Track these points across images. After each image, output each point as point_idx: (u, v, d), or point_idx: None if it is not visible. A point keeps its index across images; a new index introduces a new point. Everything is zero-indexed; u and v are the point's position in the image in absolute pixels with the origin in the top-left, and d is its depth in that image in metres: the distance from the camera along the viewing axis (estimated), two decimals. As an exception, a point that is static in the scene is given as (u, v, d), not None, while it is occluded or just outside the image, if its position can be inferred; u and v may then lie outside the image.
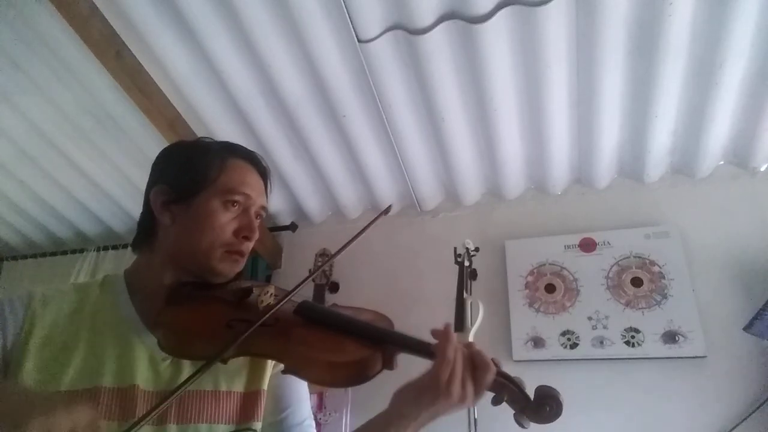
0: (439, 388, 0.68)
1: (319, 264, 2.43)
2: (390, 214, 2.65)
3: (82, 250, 3.00)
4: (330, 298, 2.45)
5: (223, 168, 0.83)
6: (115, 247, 2.93)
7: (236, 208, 0.82)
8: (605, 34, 1.66)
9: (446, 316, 1.73)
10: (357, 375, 0.70)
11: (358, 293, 2.47)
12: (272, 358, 0.80)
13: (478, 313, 1.74)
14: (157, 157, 0.90)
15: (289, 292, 0.74)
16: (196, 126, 2.15)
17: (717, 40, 1.65)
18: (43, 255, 3.15)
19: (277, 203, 2.66)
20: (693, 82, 1.83)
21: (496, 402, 0.71)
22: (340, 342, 0.73)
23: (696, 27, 1.64)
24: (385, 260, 2.55)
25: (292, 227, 2.73)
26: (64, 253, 3.07)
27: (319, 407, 2.31)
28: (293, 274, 2.66)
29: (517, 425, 0.71)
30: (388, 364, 0.72)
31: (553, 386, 0.70)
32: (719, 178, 2.19)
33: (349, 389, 2.26)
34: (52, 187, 2.68)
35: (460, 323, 1.74)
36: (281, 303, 0.72)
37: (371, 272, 2.52)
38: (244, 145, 0.91)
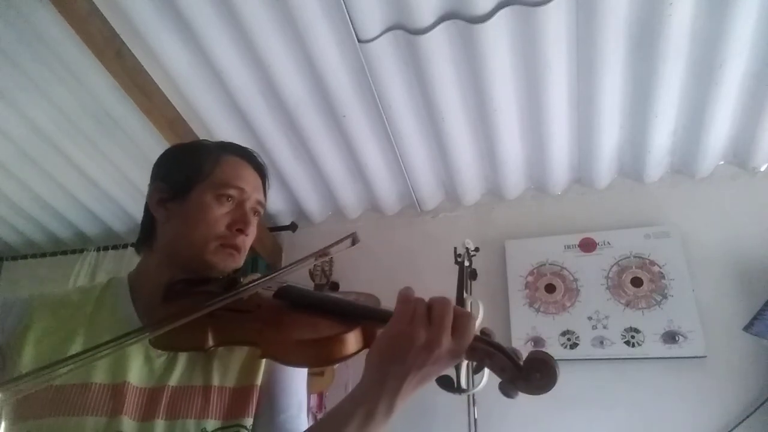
0: (398, 330, 0.63)
1: (318, 265, 2.42)
2: (390, 214, 2.66)
3: (82, 250, 3.01)
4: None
5: (217, 163, 0.84)
6: (115, 247, 2.94)
7: (230, 202, 0.82)
8: (605, 34, 1.66)
9: (446, 316, 1.74)
10: (337, 352, 0.69)
11: (358, 293, 2.47)
12: (253, 344, 0.78)
13: (478, 313, 1.74)
14: (158, 159, 0.91)
15: (263, 278, 0.75)
16: (196, 126, 2.15)
17: (717, 40, 1.65)
18: (43, 255, 3.15)
19: (277, 203, 2.66)
20: (693, 82, 1.83)
21: (477, 369, 0.70)
22: (319, 321, 0.72)
23: (696, 27, 1.64)
24: (385, 260, 2.54)
25: (292, 227, 2.73)
26: (64, 253, 3.07)
27: (319, 407, 2.31)
28: (293, 274, 2.65)
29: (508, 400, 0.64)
30: (369, 340, 0.71)
31: (548, 352, 0.62)
32: (719, 178, 2.19)
33: (349, 387, 2.25)
34: (52, 187, 2.67)
35: (460, 323, 1.74)
36: (254, 283, 0.73)
37: (371, 272, 2.52)
38: (244, 145, 0.91)
